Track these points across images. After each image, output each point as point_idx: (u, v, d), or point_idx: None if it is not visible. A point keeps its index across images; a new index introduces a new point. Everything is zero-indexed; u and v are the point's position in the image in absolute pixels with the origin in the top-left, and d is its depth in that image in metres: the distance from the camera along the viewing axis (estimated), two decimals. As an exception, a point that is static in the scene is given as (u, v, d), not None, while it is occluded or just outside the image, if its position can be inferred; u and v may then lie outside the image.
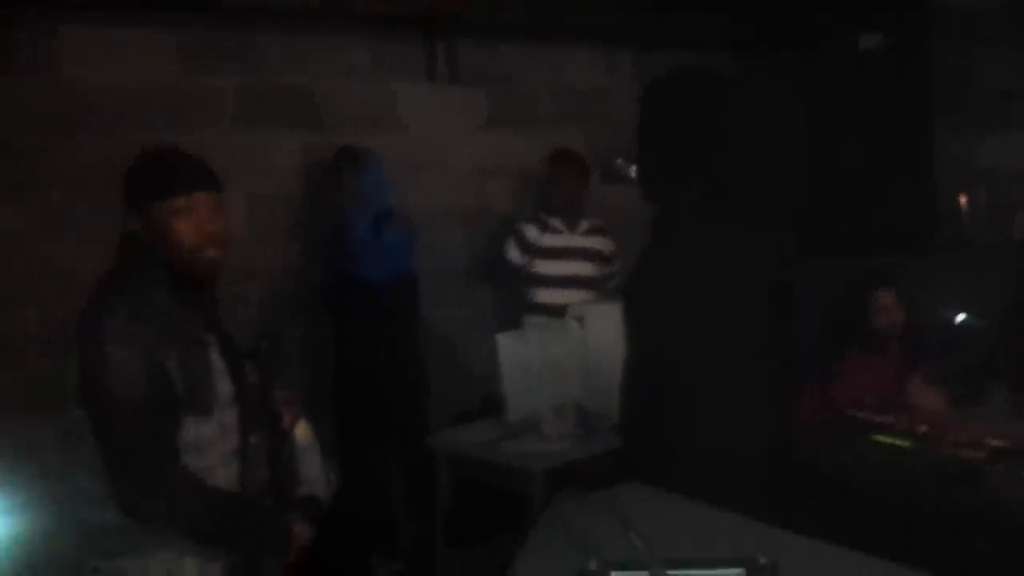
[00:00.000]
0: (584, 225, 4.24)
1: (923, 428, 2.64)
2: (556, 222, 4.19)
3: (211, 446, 1.98)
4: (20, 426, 3.25)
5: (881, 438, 2.62)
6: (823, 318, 3.34)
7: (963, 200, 4.48)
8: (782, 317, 1.90)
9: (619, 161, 2.13)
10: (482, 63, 4.60)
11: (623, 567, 1.02)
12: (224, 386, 2.00)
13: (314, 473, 3.28)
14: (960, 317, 3.52)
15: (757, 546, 1.09)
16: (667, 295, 1.74)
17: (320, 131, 4.09)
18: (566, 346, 3.44)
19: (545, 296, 4.14)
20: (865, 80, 4.15)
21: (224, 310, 3.48)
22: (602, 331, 3.43)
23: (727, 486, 1.37)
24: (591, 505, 1.29)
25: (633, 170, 2.11)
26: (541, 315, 4.07)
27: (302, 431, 3.31)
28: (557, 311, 3.90)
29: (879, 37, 4.19)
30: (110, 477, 1.87)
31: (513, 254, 4.18)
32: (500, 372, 3.40)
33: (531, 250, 4.15)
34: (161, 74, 3.74)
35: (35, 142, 3.46)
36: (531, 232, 4.15)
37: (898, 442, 2.58)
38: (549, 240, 4.16)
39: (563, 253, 4.17)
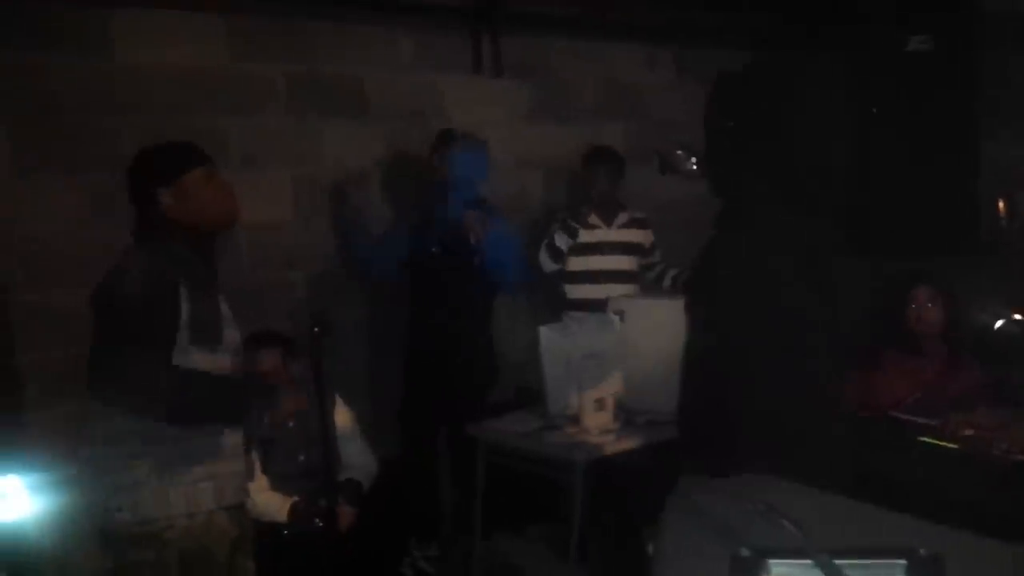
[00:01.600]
0: (622, 218, 4.24)
1: (969, 431, 2.65)
2: (593, 218, 4.18)
3: None
4: (69, 400, 3.31)
5: (927, 440, 2.63)
6: (864, 316, 3.35)
7: (1002, 204, 4.47)
8: (828, 312, 1.92)
9: (679, 152, 2.14)
10: (526, 56, 4.63)
11: (778, 554, 1.01)
12: (231, 332, 2.25)
13: (355, 458, 3.34)
14: (1000, 321, 3.51)
15: (894, 534, 1.08)
16: (737, 285, 1.75)
17: (366, 120, 4.13)
18: (607, 339, 3.47)
19: (583, 292, 4.14)
20: (912, 82, 4.13)
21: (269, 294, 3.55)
22: (643, 326, 3.46)
23: (800, 470, 1.39)
24: (721, 492, 1.31)
25: (693, 162, 2.12)
26: (580, 310, 4.08)
27: (342, 418, 3.37)
28: (596, 306, 3.92)
29: (927, 39, 4.17)
30: (95, 362, 2.08)
31: (545, 264, 4.17)
32: (541, 364, 3.42)
33: (562, 256, 4.13)
34: (212, 59, 3.79)
35: (89, 124, 3.51)
36: (562, 241, 4.11)
37: (944, 444, 2.60)
38: (584, 236, 4.15)
39: (599, 248, 4.17)
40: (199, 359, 2.13)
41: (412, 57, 4.32)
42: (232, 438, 2.26)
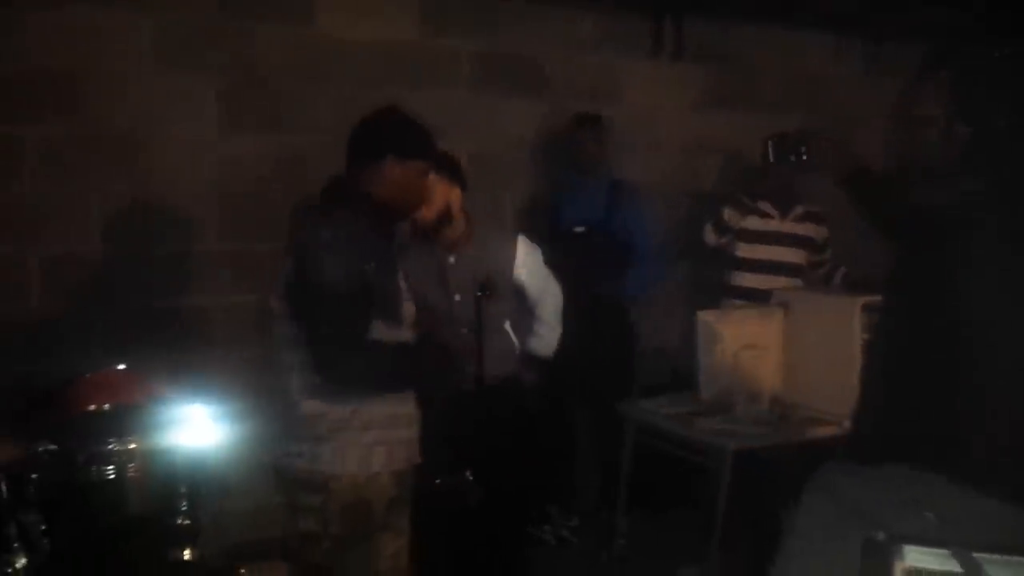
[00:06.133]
0: (797, 210, 4.13)
1: None
2: (766, 206, 4.10)
3: None
4: (251, 342, 3.59)
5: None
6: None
7: None
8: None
9: (789, 142, 2.08)
10: (708, 41, 4.58)
11: (914, 541, 1.00)
12: (409, 307, 2.36)
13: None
14: None
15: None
16: (947, 293, 1.66)
17: (544, 99, 4.22)
18: (768, 331, 3.41)
19: (747, 280, 4.09)
20: None
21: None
22: (809, 321, 3.38)
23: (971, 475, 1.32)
24: (863, 479, 1.30)
25: (802, 152, 2.06)
26: (741, 299, 4.04)
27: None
28: (758, 296, 3.86)
29: None
30: (312, 349, 2.17)
31: (709, 236, 4.14)
32: (698, 349, 3.41)
33: (728, 232, 4.09)
34: (404, 34, 3.98)
35: (288, 90, 3.76)
36: (731, 216, 4.08)
37: None
38: (756, 224, 4.09)
39: (770, 238, 4.09)
40: (382, 331, 2.25)
41: (592, 37, 4.37)
42: (407, 407, 2.39)
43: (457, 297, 3.13)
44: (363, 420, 2.26)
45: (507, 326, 3.23)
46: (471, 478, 3.06)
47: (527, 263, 3.30)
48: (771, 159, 2.07)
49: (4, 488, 2.09)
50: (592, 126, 3.98)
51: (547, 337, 3.39)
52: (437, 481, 3.03)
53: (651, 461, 3.60)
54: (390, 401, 2.32)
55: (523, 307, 3.31)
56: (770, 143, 2.07)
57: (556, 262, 4.03)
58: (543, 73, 4.27)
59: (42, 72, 3.32)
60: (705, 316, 3.40)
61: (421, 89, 3.97)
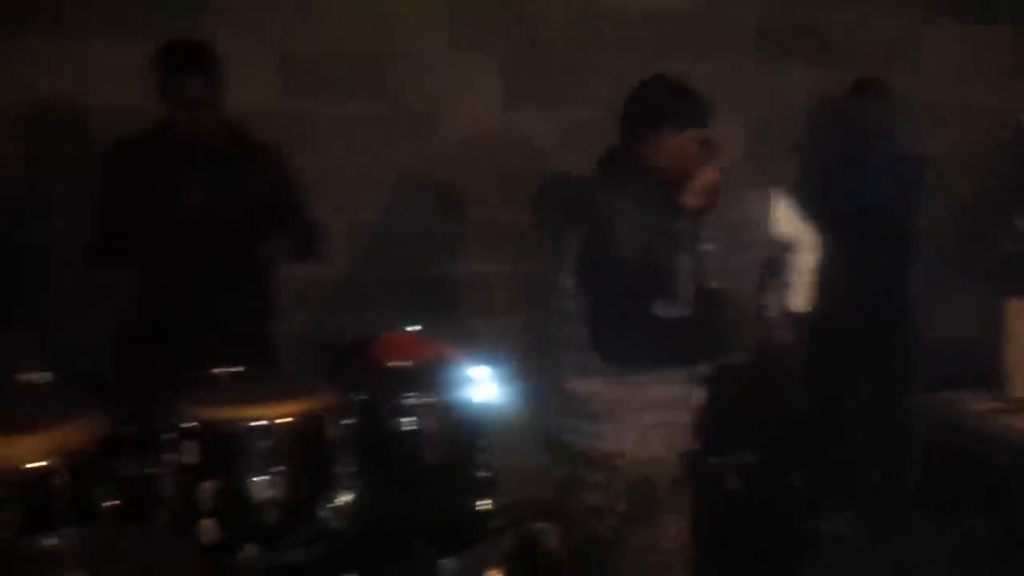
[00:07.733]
0: None
1: None
2: None
3: None
4: (524, 310, 3.70)
5: None
6: None
7: None
8: None
9: None
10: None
11: None
12: (687, 286, 2.24)
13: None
14: None
15: None
16: None
17: (833, 66, 3.99)
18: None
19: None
20: None
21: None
22: None
23: None
24: None
25: None
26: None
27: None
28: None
29: None
30: (597, 324, 2.15)
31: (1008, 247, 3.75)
32: (1006, 341, 3.12)
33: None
34: (684, 2, 3.89)
35: (571, 62, 3.80)
36: None
37: None
38: None
39: None
40: (658, 308, 2.20)
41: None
42: (683, 390, 2.31)
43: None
44: (642, 400, 2.23)
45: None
46: (752, 460, 3.00)
47: (782, 216, 3.24)
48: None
49: (331, 431, 2.29)
50: (874, 93, 3.69)
51: (801, 291, 3.29)
52: (712, 461, 2.99)
53: (939, 458, 3.36)
54: (667, 382, 2.27)
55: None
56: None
57: (828, 244, 3.84)
58: (832, 39, 4.02)
59: (348, 54, 3.57)
60: (1018, 305, 3.08)
61: (701, 60, 3.88)
